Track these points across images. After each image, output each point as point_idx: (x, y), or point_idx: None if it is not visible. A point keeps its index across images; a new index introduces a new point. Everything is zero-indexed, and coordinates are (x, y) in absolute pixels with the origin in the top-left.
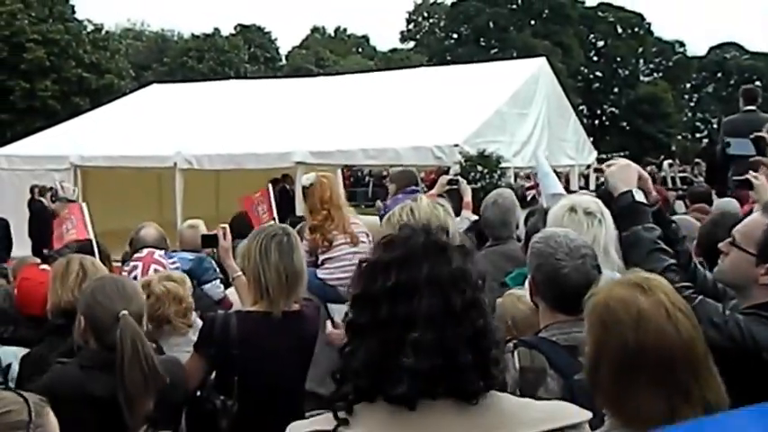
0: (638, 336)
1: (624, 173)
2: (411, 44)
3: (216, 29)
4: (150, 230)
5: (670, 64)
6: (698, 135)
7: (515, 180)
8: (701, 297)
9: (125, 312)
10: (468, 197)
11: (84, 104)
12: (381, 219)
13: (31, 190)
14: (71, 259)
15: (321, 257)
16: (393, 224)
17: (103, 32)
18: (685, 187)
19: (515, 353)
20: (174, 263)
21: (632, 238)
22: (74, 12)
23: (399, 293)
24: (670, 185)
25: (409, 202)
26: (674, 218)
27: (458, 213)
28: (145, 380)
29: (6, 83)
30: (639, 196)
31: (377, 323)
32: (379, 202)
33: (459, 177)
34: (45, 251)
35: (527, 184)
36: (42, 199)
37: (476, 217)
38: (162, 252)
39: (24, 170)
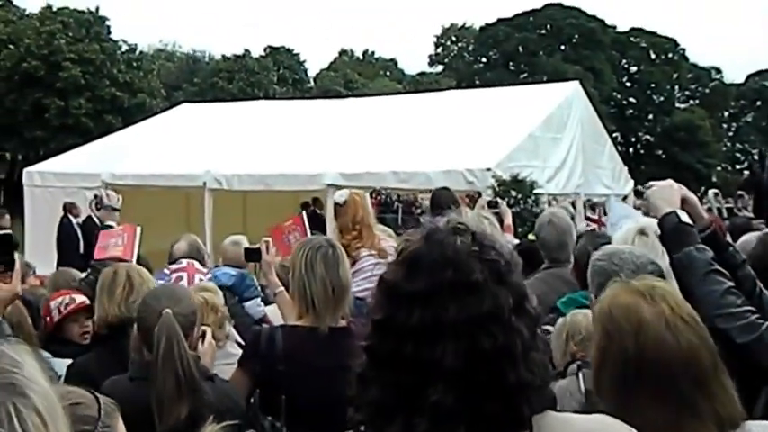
0: (637, 344)
1: (666, 193)
2: (439, 68)
3: (246, 50)
4: (181, 244)
5: (706, 91)
6: (738, 166)
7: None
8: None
9: (168, 310)
10: (508, 220)
11: (117, 123)
12: None
13: (64, 207)
14: (118, 269)
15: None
16: None
17: (137, 53)
18: (731, 218)
19: (580, 374)
20: (208, 275)
21: (685, 260)
22: (109, 32)
23: (422, 334)
24: (715, 215)
25: (453, 216)
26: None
27: None
28: (177, 384)
29: (42, 101)
30: (685, 217)
31: (397, 360)
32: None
33: (498, 200)
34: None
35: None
36: (70, 216)
37: (516, 241)
38: (197, 263)
39: (57, 187)
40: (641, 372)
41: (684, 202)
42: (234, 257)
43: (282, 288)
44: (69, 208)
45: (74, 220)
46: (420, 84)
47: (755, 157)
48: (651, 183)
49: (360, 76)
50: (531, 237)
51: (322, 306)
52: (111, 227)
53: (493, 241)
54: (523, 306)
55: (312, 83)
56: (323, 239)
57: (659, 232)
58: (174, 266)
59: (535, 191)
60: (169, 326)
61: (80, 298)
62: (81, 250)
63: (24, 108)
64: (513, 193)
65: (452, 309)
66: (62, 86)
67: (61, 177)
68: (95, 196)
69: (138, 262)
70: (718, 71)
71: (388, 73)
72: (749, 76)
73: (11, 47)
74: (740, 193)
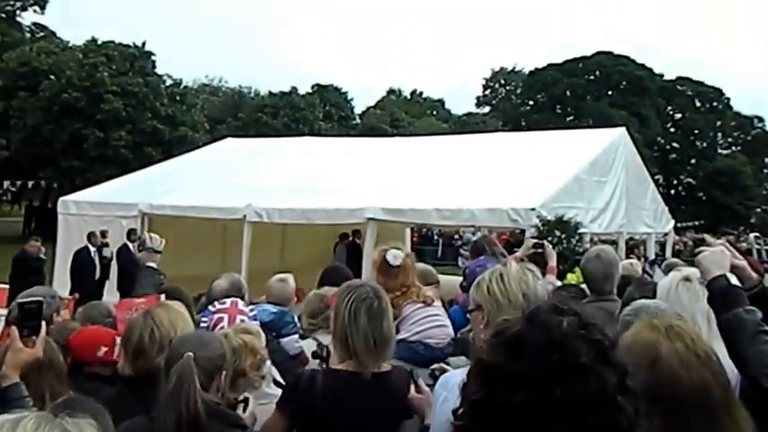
0: (652, 378)
1: (717, 257)
2: (486, 109)
3: (293, 87)
4: (221, 282)
5: (749, 138)
6: None
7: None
8: None
9: (190, 353)
10: (552, 261)
11: (157, 155)
12: (464, 277)
13: (88, 237)
14: (138, 322)
15: (395, 323)
16: (482, 290)
17: (181, 87)
18: None
19: None
20: (252, 313)
21: (734, 322)
22: (154, 66)
23: (526, 415)
24: (755, 257)
25: (499, 267)
26: None
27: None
28: (178, 422)
29: (81, 131)
30: (734, 280)
31: None
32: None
33: (544, 242)
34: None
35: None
36: (89, 245)
37: (560, 282)
38: (242, 302)
39: (92, 215)
40: (654, 405)
41: (734, 267)
42: (278, 294)
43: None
44: (89, 236)
45: (92, 249)
46: (466, 124)
47: None
48: (702, 248)
49: (406, 114)
50: (569, 277)
51: (363, 356)
52: (152, 268)
53: (595, 320)
54: (626, 384)
55: (358, 120)
56: (369, 288)
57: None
58: (217, 306)
59: (579, 231)
60: (184, 365)
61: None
62: (96, 277)
63: (62, 137)
64: (557, 232)
65: (558, 391)
66: (102, 118)
67: (97, 206)
68: (132, 231)
69: (174, 297)
70: (761, 119)
71: (435, 113)
72: None
73: (51, 77)
74: None
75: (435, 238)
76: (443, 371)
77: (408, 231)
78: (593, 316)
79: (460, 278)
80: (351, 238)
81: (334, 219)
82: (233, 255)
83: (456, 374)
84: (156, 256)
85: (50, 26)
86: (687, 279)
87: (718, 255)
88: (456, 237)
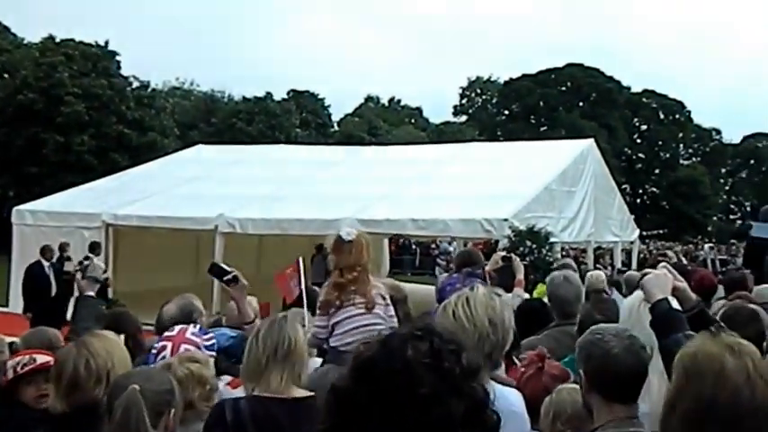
0: (714, 390)
1: (661, 281)
2: (463, 118)
3: (268, 93)
4: (170, 308)
5: (707, 149)
6: (732, 217)
7: (561, 255)
8: None
9: (135, 386)
10: (520, 275)
11: (123, 161)
12: (437, 292)
13: (42, 251)
14: (68, 359)
15: (331, 321)
16: (448, 314)
17: (149, 90)
18: (724, 269)
19: None
20: (209, 338)
21: (673, 346)
22: (119, 68)
23: None
24: (710, 268)
25: (466, 292)
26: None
27: (509, 290)
28: None
29: (40, 135)
30: (675, 304)
31: None
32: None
33: (512, 255)
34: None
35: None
36: (42, 260)
37: (527, 295)
38: (196, 328)
39: (50, 226)
40: (711, 417)
41: (675, 289)
42: (237, 318)
43: (251, 320)
44: (43, 250)
45: (45, 264)
46: (444, 133)
47: (748, 209)
48: (646, 270)
49: (384, 122)
50: (539, 288)
51: (266, 370)
52: (92, 297)
53: (455, 346)
54: (478, 415)
55: (336, 127)
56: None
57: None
58: (165, 333)
59: (549, 240)
60: (130, 398)
61: (42, 359)
62: (53, 294)
63: (18, 142)
64: (529, 243)
65: (398, 419)
66: (62, 121)
67: (56, 216)
68: (95, 245)
69: (119, 324)
70: (718, 132)
71: (413, 121)
72: (745, 138)
73: (5, 76)
74: (732, 241)
75: (413, 247)
76: None
77: (386, 242)
78: (455, 340)
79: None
80: (327, 251)
81: (310, 230)
82: (206, 266)
83: None
84: (97, 286)
85: (3, 21)
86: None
87: (661, 278)
88: (433, 246)
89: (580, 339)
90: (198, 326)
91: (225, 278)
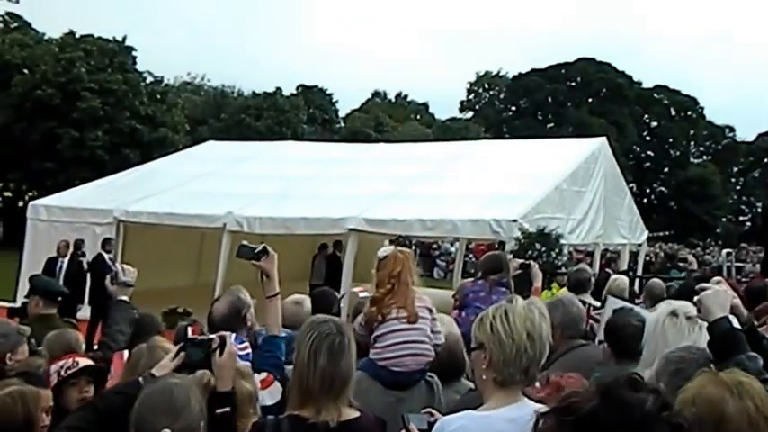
0: None
1: (720, 297)
2: (470, 114)
3: (278, 88)
4: (220, 306)
5: (719, 147)
6: (741, 218)
7: (570, 258)
8: None
9: (166, 431)
10: (538, 282)
11: (135, 157)
12: (459, 298)
13: (58, 248)
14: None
15: (374, 334)
16: (485, 327)
17: (162, 85)
18: (741, 278)
19: None
20: (244, 348)
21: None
22: (135, 63)
23: None
24: (725, 275)
25: (504, 304)
26: None
27: (525, 298)
28: None
29: (55, 130)
30: (735, 323)
31: None
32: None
33: (531, 261)
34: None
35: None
36: (59, 258)
37: (543, 306)
38: (231, 338)
39: (63, 222)
40: None
41: (731, 306)
42: (290, 317)
43: (278, 292)
44: (59, 248)
45: (61, 260)
46: (449, 129)
47: (759, 210)
48: (703, 285)
49: (390, 118)
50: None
51: (319, 397)
52: (125, 302)
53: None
54: None
55: (342, 123)
56: (333, 325)
57: (690, 315)
58: None
59: (560, 243)
60: None
61: (83, 361)
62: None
63: (34, 137)
64: (538, 245)
65: None
66: (78, 117)
67: (69, 212)
68: (107, 241)
69: (147, 327)
70: (732, 129)
71: (419, 117)
72: (759, 135)
73: (25, 72)
74: (743, 245)
75: (413, 247)
76: (434, 417)
77: (387, 242)
78: (667, 392)
79: (436, 290)
80: (332, 251)
81: (315, 228)
82: (209, 266)
83: (452, 420)
84: (129, 290)
85: (25, 17)
86: (674, 314)
87: (721, 294)
88: (434, 247)
89: (670, 354)
90: (234, 335)
91: (256, 252)
